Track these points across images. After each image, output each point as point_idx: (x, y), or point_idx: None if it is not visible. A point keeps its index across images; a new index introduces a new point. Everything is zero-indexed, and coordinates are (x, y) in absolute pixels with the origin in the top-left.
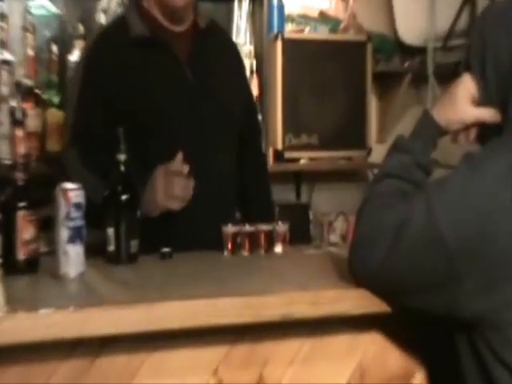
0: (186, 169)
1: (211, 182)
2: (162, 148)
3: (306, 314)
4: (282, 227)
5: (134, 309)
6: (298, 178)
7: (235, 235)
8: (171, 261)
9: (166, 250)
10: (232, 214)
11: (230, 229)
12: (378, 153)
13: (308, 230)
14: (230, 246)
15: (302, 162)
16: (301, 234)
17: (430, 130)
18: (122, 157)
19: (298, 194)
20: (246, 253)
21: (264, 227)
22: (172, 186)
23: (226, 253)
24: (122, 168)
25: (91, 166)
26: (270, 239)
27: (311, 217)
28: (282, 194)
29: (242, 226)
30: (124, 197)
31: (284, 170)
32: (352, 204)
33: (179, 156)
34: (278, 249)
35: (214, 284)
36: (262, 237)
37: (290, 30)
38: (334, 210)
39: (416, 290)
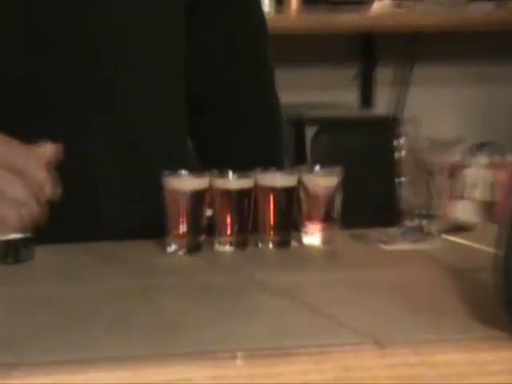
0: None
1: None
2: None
3: None
4: (321, 181)
5: None
6: (368, 50)
7: (199, 198)
8: (35, 265)
9: (17, 236)
10: (182, 147)
11: (184, 182)
12: None
13: (392, 184)
14: (184, 226)
15: (377, 5)
16: (373, 195)
17: None
18: None
19: (368, 93)
20: (225, 247)
21: (275, 179)
22: (6, 200)
23: (173, 247)
24: None
25: None
26: (289, 212)
27: (403, 152)
28: (326, 94)
29: (218, 176)
30: None
31: (331, 31)
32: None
33: (48, 148)
34: (313, 238)
35: (147, 329)
36: (271, 205)
37: None
38: (465, 139)
39: None
